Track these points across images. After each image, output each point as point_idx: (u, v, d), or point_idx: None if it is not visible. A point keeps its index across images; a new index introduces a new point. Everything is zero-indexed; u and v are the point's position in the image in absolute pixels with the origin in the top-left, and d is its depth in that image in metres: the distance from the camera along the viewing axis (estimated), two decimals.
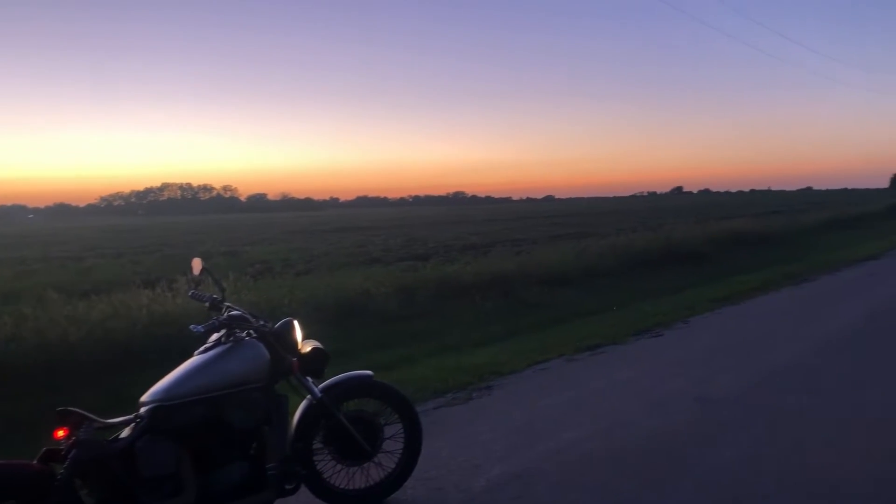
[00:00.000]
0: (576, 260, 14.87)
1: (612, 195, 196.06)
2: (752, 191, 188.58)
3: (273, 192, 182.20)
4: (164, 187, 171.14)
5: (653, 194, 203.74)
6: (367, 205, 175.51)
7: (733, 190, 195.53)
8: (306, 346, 3.90)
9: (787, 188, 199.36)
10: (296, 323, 3.91)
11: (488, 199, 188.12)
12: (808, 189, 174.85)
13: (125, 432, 3.35)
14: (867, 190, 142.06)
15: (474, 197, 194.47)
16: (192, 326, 3.48)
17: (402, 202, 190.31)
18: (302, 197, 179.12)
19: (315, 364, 3.88)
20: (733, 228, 22.34)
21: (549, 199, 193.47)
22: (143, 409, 3.37)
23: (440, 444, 4.91)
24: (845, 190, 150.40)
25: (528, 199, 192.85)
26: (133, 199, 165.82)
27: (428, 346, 8.74)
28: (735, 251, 18.98)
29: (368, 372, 4.20)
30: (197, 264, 4.03)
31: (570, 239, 24.35)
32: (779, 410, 5.56)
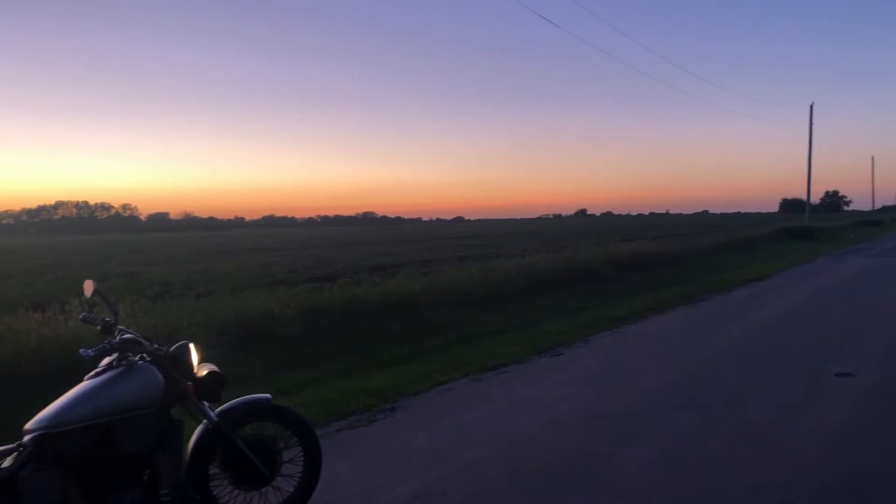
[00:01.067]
0: (483, 280, 15.08)
1: (519, 217, 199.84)
2: (652, 214, 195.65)
3: (175, 212, 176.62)
4: (59, 205, 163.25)
5: (558, 216, 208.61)
6: (274, 225, 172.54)
7: (634, 213, 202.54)
8: (202, 370, 3.84)
9: (685, 212, 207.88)
10: (192, 346, 3.84)
11: (398, 220, 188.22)
12: (705, 213, 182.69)
13: (7, 462, 3.20)
14: (758, 214, 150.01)
15: (384, 217, 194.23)
16: (81, 351, 3.36)
17: (309, 222, 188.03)
18: (205, 216, 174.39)
19: (211, 388, 3.82)
20: (633, 250, 23.14)
21: (459, 220, 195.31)
22: (27, 437, 3.23)
23: (341, 467, 4.90)
24: (739, 214, 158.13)
25: (439, 220, 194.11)
26: (24, 218, 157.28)
27: (333, 368, 8.69)
28: (634, 272, 19.68)
29: (267, 395, 4.16)
30: (88, 286, 3.91)
31: (477, 260, 24.65)
32: (669, 425, 5.81)
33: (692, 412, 6.19)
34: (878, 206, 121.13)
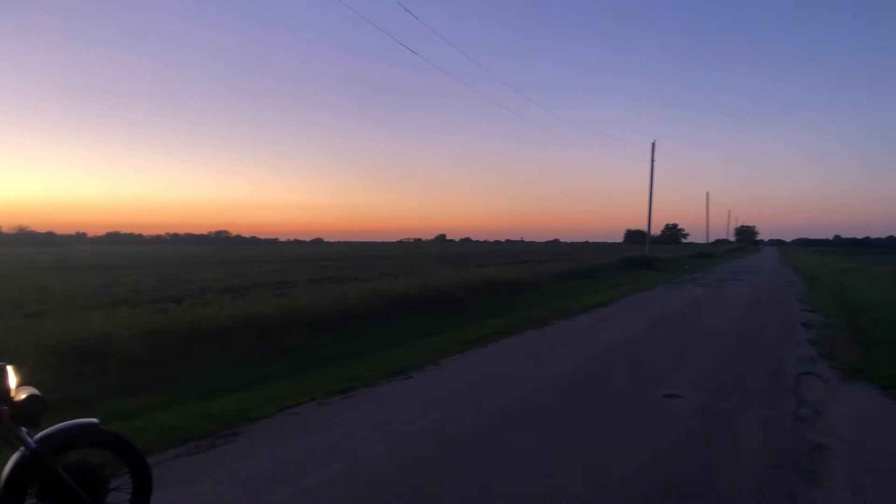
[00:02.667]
0: (337, 303, 14.98)
1: (380, 241, 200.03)
2: (508, 241, 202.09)
3: (8, 225, 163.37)
4: None
5: (419, 241, 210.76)
6: (119, 241, 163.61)
7: (492, 239, 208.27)
8: (21, 394, 3.60)
9: (539, 239, 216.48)
10: (10, 368, 3.60)
11: (253, 240, 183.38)
12: (556, 241, 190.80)
13: None
14: (605, 243, 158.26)
15: (239, 237, 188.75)
16: None
17: (158, 240, 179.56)
18: (43, 231, 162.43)
19: (30, 413, 3.59)
20: (487, 276, 23.76)
21: (317, 242, 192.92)
22: None
23: (178, 495, 4.72)
24: (587, 243, 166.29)
25: (297, 242, 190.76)
26: None
27: (175, 392, 8.34)
28: (488, 297, 20.22)
29: (93, 420, 3.95)
30: None
31: (334, 282, 24.45)
32: (509, 444, 6.02)
33: (533, 433, 6.43)
34: (711, 238, 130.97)
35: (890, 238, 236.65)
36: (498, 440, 6.19)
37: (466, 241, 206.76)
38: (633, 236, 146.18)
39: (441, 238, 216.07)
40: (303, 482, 5.08)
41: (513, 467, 5.44)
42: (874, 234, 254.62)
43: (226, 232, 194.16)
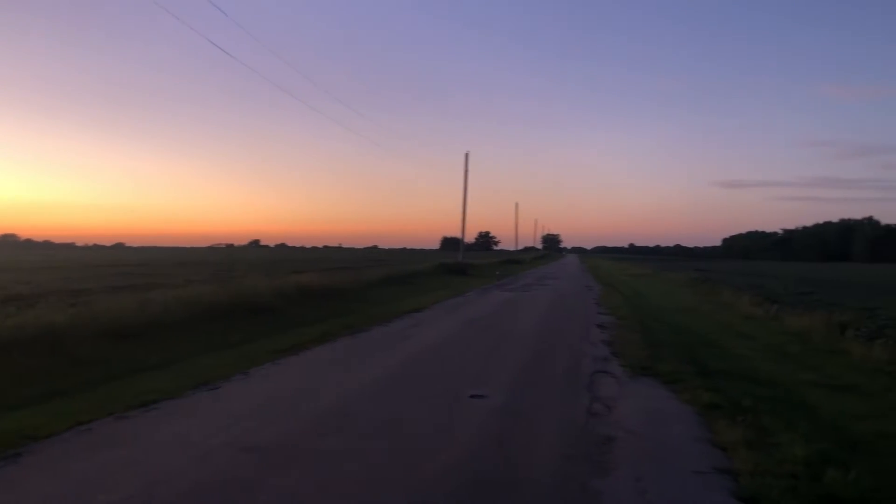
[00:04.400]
0: (139, 312, 14.13)
1: (189, 245, 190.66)
2: (326, 247, 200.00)
3: None
4: None
5: (231, 246, 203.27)
6: None
7: (308, 245, 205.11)
8: None
9: (357, 246, 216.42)
10: None
11: (47, 244, 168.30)
12: (375, 248, 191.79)
13: None
14: (423, 250, 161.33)
15: (29, 241, 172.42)
16: None
17: None
18: None
19: None
20: (302, 282, 23.39)
21: (119, 247, 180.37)
22: None
23: None
24: (405, 249, 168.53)
25: (96, 246, 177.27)
26: None
27: None
28: (303, 304, 19.93)
29: None
30: None
31: (137, 289, 22.99)
32: (318, 452, 5.99)
33: (343, 439, 6.44)
34: (520, 246, 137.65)
35: (678, 246, 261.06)
36: (307, 449, 6.15)
37: (282, 246, 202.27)
38: (449, 243, 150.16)
39: (255, 243, 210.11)
40: (94, 502, 4.76)
41: (321, 475, 5.42)
42: (664, 243, 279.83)
43: (14, 236, 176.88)
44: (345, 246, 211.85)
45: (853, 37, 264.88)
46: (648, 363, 10.97)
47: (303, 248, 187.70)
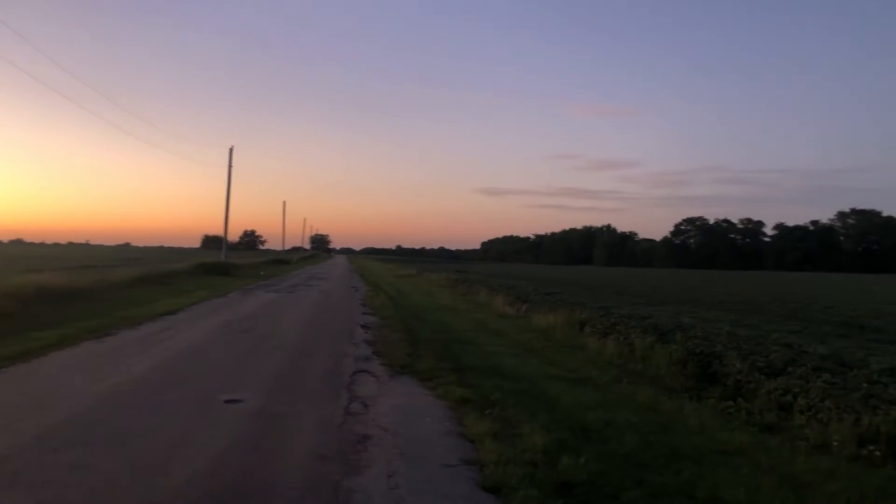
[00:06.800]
0: None
1: None
2: (70, 243, 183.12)
3: None
4: None
5: None
6: None
7: (50, 242, 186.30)
8: None
9: (107, 243, 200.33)
10: None
11: None
12: (127, 245, 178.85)
13: None
14: (182, 249, 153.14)
15: None
16: None
17: None
18: None
19: None
20: (39, 282, 21.15)
21: None
22: None
23: None
24: (162, 248, 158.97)
25: None
26: None
27: None
28: (39, 307, 17.98)
29: None
30: None
31: None
32: (50, 468, 5.44)
33: (80, 452, 5.90)
34: (288, 246, 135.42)
35: (441, 249, 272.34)
36: (37, 464, 5.55)
37: (18, 242, 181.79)
38: (212, 242, 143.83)
39: None
40: None
41: (46, 496, 4.91)
42: (429, 246, 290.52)
43: None
44: (93, 243, 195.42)
45: (595, 59, 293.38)
46: (408, 361, 11.28)
47: (43, 245, 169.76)
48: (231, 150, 54.93)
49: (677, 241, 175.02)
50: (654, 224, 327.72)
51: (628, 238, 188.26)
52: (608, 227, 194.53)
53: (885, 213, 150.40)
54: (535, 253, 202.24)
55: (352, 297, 27.96)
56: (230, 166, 54.44)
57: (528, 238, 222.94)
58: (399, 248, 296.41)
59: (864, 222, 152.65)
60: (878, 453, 6.76)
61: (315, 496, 5.12)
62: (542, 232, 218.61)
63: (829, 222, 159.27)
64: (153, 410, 7.57)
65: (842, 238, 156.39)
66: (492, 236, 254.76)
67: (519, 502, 5.12)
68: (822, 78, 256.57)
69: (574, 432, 7.41)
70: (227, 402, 8.09)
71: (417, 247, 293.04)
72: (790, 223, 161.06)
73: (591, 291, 34.48)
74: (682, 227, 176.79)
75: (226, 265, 45.70)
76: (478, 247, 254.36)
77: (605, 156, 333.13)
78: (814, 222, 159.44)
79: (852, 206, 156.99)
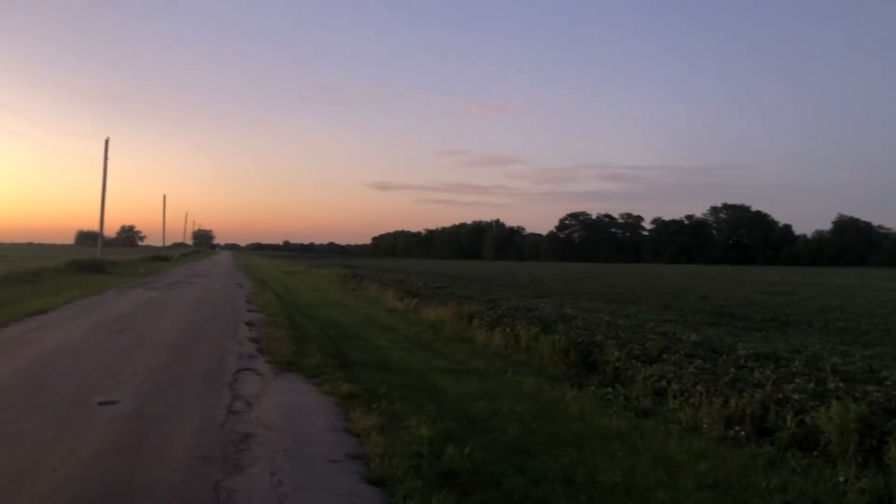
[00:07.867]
0: None
1: None
2: None
3: None
4: None
5: None
6: None
7: None
8: None
9: None
10: None
11: None
12: None
13: None
14: (54, 245, 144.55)
15: None
16: None
17: None
18: None
19: None
20: None
21: None
22: None
23: None
24: (31, 244, 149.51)
25: None
26: None
27: None
28: None
29: None
30: None
31: None
32: None
33: None
34: (169, 242, 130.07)
35: (330, 244, 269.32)
36: None
37: None
38: (87, 238, 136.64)
39: None
40: None
41: None
42: (318, 241, 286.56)
43: None
44: None
45: (485, 57, 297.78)
46: (294, 358, 11.09)
47: None
48: (107, 141, 52.30)
49: (562, 236, 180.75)
50: (540, 219, 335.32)
51: (516, 232, 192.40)
52: (497, 221, 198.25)
53: (753, 208, 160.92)
54: (425, 247, 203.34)
55: (236, 293, 27.21)
56: (106, 159, 51.84)
57: (418, 233, 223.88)
58: (287, 243, 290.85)
59: (735, 217, 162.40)
60: (742, 433, 7.22)
61: (194, 498, 4.96)
62: (432, 227, 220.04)
63: (702, 217, 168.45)
64: (17, 416, 7.10)
65: (714, 232, 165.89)
66: (382, 231, 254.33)
67: (403, 494, 5.14)
68: (698, 78, 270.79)
69: (460, 423, 7.52)
70: (100, 403, 7.70)
71: (306, 242, 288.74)
72: (667, 217, 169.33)
73: (480, 285, 35.05)
74: (567, 222, 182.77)
75: (102, 262, 43.49)
76: (368, 242, 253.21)
77: (493, 152, 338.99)
78: (689, 217, 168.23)
79: (724, 202, 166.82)
